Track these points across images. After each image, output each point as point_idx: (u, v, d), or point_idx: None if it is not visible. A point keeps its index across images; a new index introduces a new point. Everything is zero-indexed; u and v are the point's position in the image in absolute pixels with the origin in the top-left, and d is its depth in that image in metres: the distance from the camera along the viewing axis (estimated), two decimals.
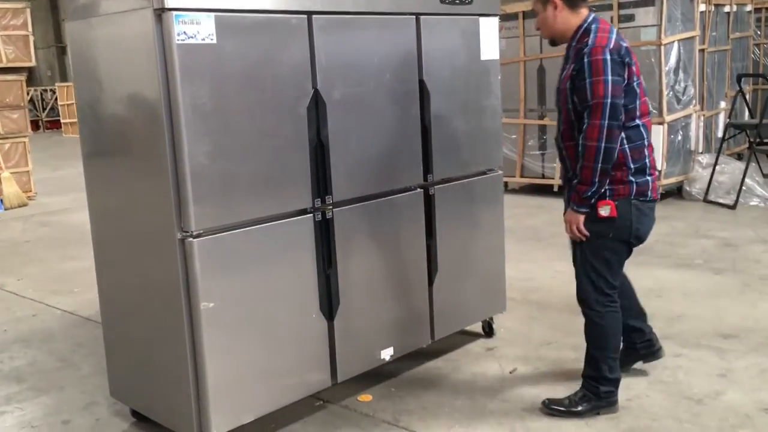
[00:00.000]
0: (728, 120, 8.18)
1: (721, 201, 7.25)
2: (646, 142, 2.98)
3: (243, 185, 2.81)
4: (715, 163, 7.43)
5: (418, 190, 3.50)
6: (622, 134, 2.90)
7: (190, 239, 2.69)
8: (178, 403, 2.86)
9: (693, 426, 3.04)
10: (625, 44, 2.95)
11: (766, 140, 7.73)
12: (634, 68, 2.94)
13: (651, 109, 3.18)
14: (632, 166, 2.94)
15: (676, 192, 7.72)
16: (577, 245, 3.10)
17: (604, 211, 2.93)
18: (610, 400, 3.13)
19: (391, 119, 3.34)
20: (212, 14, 2.63)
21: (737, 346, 3.84)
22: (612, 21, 7.34)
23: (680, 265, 5.35)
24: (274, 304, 2.96)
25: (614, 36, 2.91)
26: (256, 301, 2.89)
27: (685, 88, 7.50)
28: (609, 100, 2.81)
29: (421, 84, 3.44)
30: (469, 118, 3.69)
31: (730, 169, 7.54)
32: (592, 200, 2.93)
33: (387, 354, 3.44)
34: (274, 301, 2.96)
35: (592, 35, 2.90)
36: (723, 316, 4.26)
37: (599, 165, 2.86)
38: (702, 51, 8.01)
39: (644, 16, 7.19)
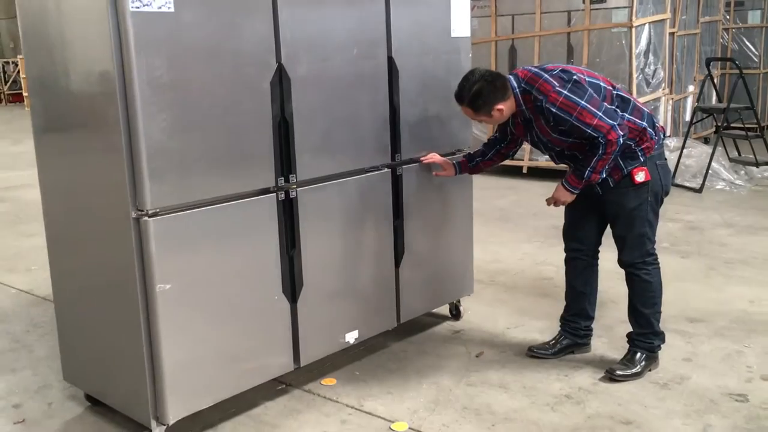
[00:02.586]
0: (696, 104, 8.22)
1: (687, 184, 7.29)
2: (632, 100, 3.15)
3: (202, 163, 2.69)
4: (683, 147, 7.47)
5: (386, 170, 3.42)
6: (616, 107, 3.04)
7: (146, 218, 2.57)
8: (134, 387, 2.76)
9: (658, 411, 3.03)
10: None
11: (732, 124, 7.78)
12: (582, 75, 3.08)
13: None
14: (642, 123, 3.08)
15: None
16: (614, 216, 3.22)
17: (640, 176, 3.09)
18: (657, 354, 3.33)
19: (359, 96, 3.24)
20: None
21: (702, 330, 3.84)
22: (583, 2, 7.29)
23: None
24: (234, 286, 2.87)
25: (537, 71, 3.06)
26: (215, 283, 2.79)
27: (655, 71, 7.50)
28: (600, 113, 2.94)
29: (390, 61, 3.34)
30: (438, 97, 3.61)
31: (697, 153, 7.59)
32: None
33: (352, 337, 3.37)
34: (235, 282, 2.87)
35: (533, 91, 3.02)
36: (689, 300, 4.27)
37: (616, 156, 3.04)
38: (672, 34, 8.01)
39: None
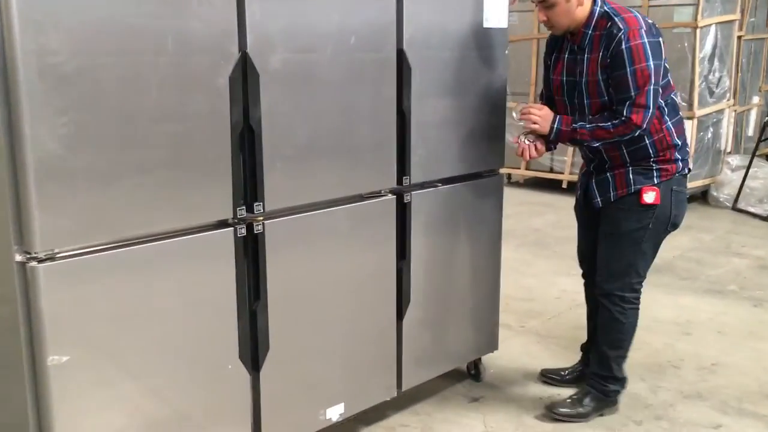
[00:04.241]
0: (767, 118, 7.27)
1: (752, 210, 6.37)
2: (681, 115, 2.82)
3: (121, 186, 1.94)
4: (748, 167, 6.54)
5: (390, 196, 2.63)
6: (665, 109, 2.71)
7: (35, 264, 1.82)
8: None
9: None
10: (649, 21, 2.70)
11: None
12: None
13: (679, 100, 3.03)
14: (677, 142, 2.75)
15: (701, 197, 6.84)
16: (605, 234, 2.85)
17: (650, 197, 2.73)
18: (614, 399, 2.98)
19: (355, 100, 2.46)
20: None
21: None
22: None
23: (710, 291, 4.48)
24: (169, 355, 2.11)
25: (638, 14, 2.66)
26: (138, 352, 2.04)
27: (720, 78, 6.58)
28: (652, 88, 2.58)
29: (400, 55, 2.56)
30: (463, 103, 2.82)
31: (764, 174, 6.65)
32: (565, 142, 2.82)
33: (335, 413, 2.59)
34: (170, 350, 2.11)
35: (617, 18, 2.61)
36: None
37: (618, 142, 2.69)
38: (739, 38, 7.08)
39: None
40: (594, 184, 2.85)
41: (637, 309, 2.88)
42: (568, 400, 2.96)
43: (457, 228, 2.92)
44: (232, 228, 2.19)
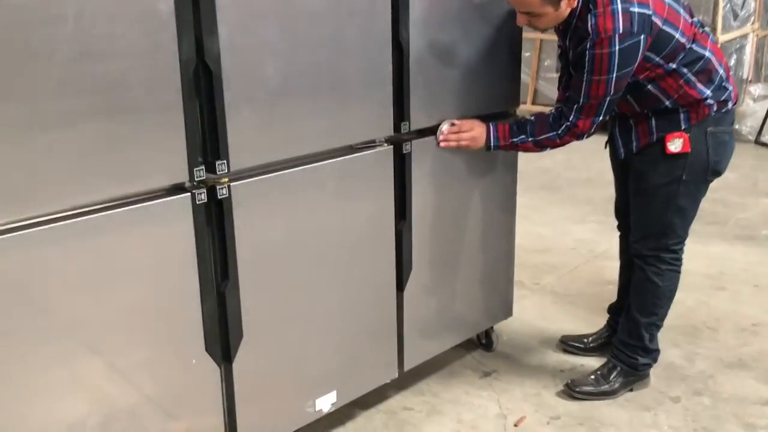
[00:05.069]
0: None
1: None
2: (707, 53, 2.28)
3: (39, 146, 1.49)
4: None
5: (386, 146, 2.19)
6: (683, 68, 2.24)
7: None
8: None
9: None
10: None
11: None
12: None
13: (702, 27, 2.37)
14: (703, 90, 2.28)
15: None
16: (634, 190, 2.45)
17: (675, 146, 2.31)
18: (645, 373, 2.61)
19: (341, 29, 1.98)
20: None
21: None
22: None
23: (741, 237, 4.08)
24: (116, 344, 1.71)
25: (619, 6, 2.11)
26: (79, 341, 1.64)
27: (745, 1, 6.03)
28: (608, 98, 2.20)
29: None
30: (472, 34, 2.34)
31: None
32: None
33: (326, 403, 2.21)
34: (120, 335, 1.71)
35: (591, 19, 2.12)
36: None
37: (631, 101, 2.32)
38: None
39: None
40: (617, 131, 2.44)
41: (677, 272, 2.48)
42: (592, 377, 2.59)
43: (465, 181, 2.48)
44: (190, 193, 1.76)
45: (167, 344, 1.80)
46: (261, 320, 1.98)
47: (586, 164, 5.51)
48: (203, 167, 1.77)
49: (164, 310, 1.77)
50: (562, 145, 2.33)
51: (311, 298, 2.10)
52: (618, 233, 2.78)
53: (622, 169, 2.54)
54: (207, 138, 1.78)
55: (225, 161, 1.79)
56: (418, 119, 2.24)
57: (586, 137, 2.31)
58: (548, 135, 2.30)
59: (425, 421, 2.44)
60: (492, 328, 2.85)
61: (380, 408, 2.51)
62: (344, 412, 2.41)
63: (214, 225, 1.85)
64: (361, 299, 2.24)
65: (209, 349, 1.88)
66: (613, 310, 2.84)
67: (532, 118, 2.35)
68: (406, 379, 2.60)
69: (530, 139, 2.33)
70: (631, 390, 2.59)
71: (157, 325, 1.77)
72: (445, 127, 2.31)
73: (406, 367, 2.45)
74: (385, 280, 2.30)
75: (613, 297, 2.87)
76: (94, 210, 1.61)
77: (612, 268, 3.28)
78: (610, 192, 2.79)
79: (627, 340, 2.57)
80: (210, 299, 1.85)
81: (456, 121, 2.32)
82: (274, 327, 2.02)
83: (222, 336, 1.91)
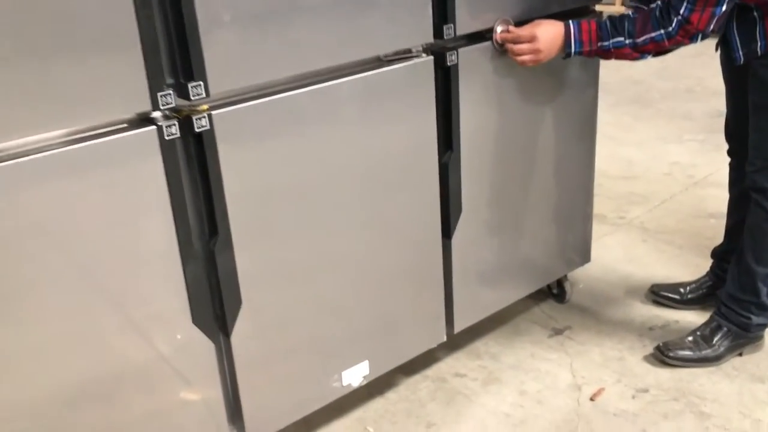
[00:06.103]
0: None
1: None
2: None
3: None
4: None
5: (424, 57, 1.70)
6: None
7: None
8: None
9: None
10: None
11: None
12: None
13: None
14: None
15: None
16: (755, 105, 1.92)
17: None
18: (758, 335, 2.15)
19: None
20: None
21: None
22: None
23: None
24: (90, 316, 1.36)
25: None
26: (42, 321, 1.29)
27: None
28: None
29: None
30: None
31: None
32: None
33: (356, 376, 1.83)
34: (95, 308, 1.35)
35: None
36: None
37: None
38: None
39: None
40: (735, 28, 1.85)
41: None
42: (690, 339, 2.11)
43: (529, 98, 1.97)
44: (156, 127, 1.35)
45: (145, 320, 1.43)
46: (264, 282, 1.58)
47: (686, 71, 4.79)
48: (171, 90, 1.34)
49: (134, 277, 1.40)
50: (669, 50, 1.81)
51: (330, 253, 1.68)
52: (728, 159, 2.23)
53: (738, 77, 1.98)
54: (175, 50, 1.34)
55: (201, 83, 1.36)
56: (465, 21, 1.72)
57: (701, 38, 1.75)
58: (653, 35, 1.76)
59: (480, 392, 2.03)
60: (566, 275, 2.38)
61: (427, 374, 2.11)
62: (383, 379, 2.03)
63: (196, 167, 1.44)
64: (395, 252, 1.81)
65: (197, 321, 1.50)
66: (719, 254, 2.32)
67: (630, 13, 1.81)
68: (460, 337, 2.19)
69: (628, 41, 1.79)
70: (740, 355, 2.11)
71: (126, 296, 1.40)
72: (499, 29, 1.79)
73: (457, 328, 2.03)
74: (427, 226, 1.86)
75: (718, 236, 2.35)
76: (29, 151, 1.23)
77: (717, 197, 2.73)
78: (714, 105, 2.25)
79: (737, 294, 2.07)
80: (194, 261, 1.47)
81: (512, 27, 1.80)
82: (282, 289, 1.62)
83: (215, 304, 1.54)
